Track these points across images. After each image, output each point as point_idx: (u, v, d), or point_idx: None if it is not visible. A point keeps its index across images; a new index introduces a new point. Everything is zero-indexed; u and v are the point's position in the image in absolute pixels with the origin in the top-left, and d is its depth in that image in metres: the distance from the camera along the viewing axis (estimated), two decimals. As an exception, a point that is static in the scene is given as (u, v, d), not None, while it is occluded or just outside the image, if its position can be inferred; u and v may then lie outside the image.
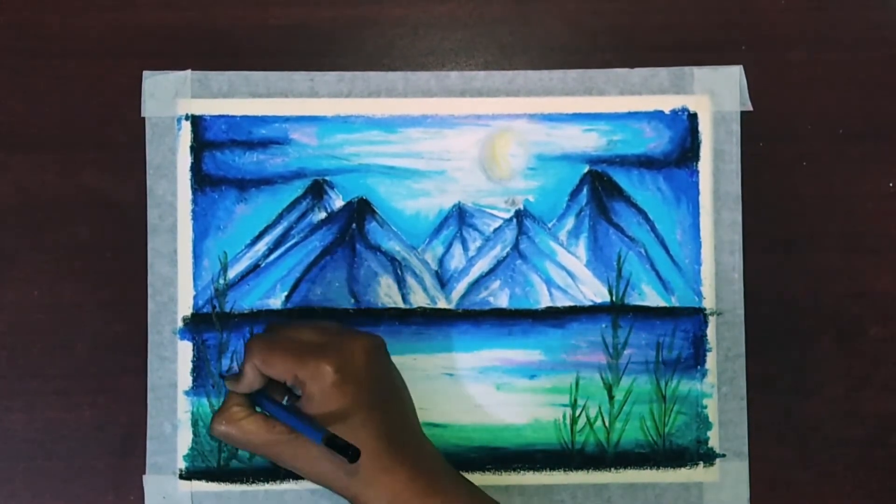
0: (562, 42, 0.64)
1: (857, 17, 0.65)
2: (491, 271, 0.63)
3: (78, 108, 0.63)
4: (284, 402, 0.55)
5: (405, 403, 0.56)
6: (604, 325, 0.63)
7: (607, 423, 0.62)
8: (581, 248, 0.63)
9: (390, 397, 0.54)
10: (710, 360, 0.63)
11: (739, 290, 0.63)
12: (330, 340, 0.53)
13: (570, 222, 0.63)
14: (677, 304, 0.63)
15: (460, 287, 0.63)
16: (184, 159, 0.63)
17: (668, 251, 0.63)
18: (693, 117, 0.64)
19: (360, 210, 0.63)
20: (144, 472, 0.61)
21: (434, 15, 0.64)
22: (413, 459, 0.53)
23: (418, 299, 0.63)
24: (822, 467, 0.63)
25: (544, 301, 0.63)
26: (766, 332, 0.63)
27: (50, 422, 0.62)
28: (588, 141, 0.63)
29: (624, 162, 0.63)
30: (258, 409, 0.55)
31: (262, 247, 0.63)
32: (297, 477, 0.61)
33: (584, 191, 0.63)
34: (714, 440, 0.62)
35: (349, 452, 0.49)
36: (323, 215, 0.63)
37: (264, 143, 0.63)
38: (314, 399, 0.52)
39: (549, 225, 0.63)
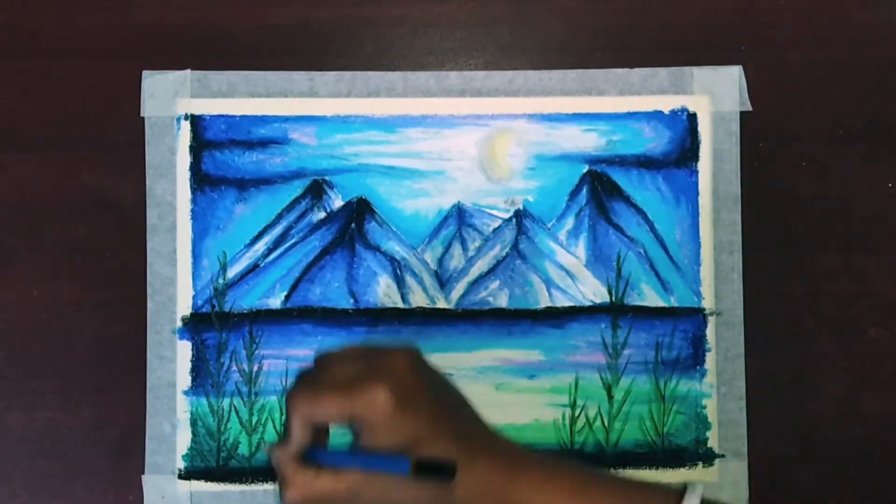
0: (561, 42, 0.64)
1: (857, 17, 0.64)
2: (490, 271, 0.63)
3: (78, 108, 0.63)
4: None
5: (462, 399, 0.53)
6: (603, 326, 0.63)
7: (606, 424, 0.62)
8: (580, 248, 0.63)
9: (447, 399, 0.51)
10: (710, 361, 0.63)
11: (739, 290, 0.63)
12: (368, 366, 0.49)
13: (569, 222, 0.63)
14: (676, 305, 0.63)
15: (460, 287, 0.63)
16: (183, 159, 0.63)
17: (667, 251, 0.63)
18: (692, 117, 0.63)
19: (360, 210, 0.63)
20: (143, 472, 0.61)
21: (433, 15, 0.64)
22: (489, 447, 0.50)
23: (418, 299, 0.63)
24: (822, 467, 0.63)
25: (543, 301, 0.63)
26: (765, 332, 0.63)
27: (49, 421, 0.62)
28: (587, 141, 0.63)
29: (623, 162, 0.63)
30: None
31: (261, 246, 0.63)
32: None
33: (584, 191, 0.63)
34: (713, 440, 0.62)
35: (446, 468, 0.45)
36: (322, 215, 0.63)
37: (264, 143, 0.63)
38: (378, 429, 0.47)
39: (549, 225, 0.63)
